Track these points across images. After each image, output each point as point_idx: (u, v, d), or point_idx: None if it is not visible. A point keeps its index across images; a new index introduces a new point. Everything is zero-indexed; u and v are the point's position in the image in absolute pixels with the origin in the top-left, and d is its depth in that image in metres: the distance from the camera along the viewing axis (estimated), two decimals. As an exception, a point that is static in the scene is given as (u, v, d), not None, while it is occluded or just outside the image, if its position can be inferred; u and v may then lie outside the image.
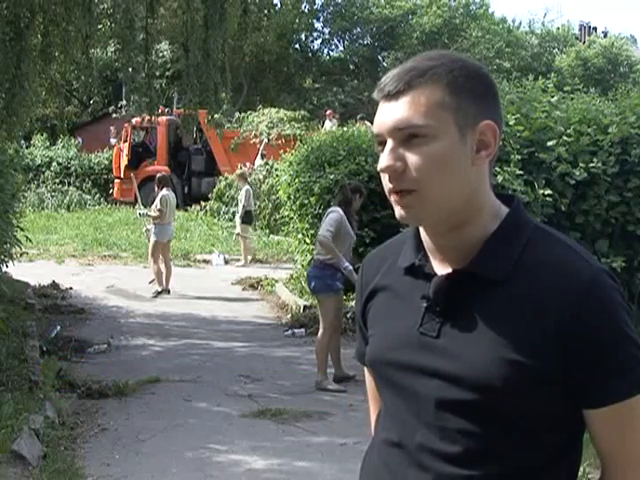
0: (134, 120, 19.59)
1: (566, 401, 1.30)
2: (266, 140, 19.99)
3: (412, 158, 1.31)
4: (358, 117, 20.57)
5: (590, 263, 1.33)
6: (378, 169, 1.36)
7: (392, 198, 1.35)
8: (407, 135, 1.31)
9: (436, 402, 1.34)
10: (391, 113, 1.33)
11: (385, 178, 1.35)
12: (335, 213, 6.77)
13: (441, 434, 1.34)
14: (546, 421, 1.31)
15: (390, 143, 1.33)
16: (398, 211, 1.36)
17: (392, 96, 1.33)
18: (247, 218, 14.12)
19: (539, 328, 1.28)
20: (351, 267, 6.61)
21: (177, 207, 17.38)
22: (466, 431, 1.32)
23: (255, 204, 18.49)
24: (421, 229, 1.43)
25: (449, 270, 1.37)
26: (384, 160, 1.33)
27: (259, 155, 19.56)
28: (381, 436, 1.48)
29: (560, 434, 1.33)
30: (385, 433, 1.46)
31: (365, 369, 1.62)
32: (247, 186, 14.30)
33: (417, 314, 1.38)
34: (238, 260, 14.15)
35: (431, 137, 1.31)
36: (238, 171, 15.27)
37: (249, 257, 14.03)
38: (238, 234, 14.19)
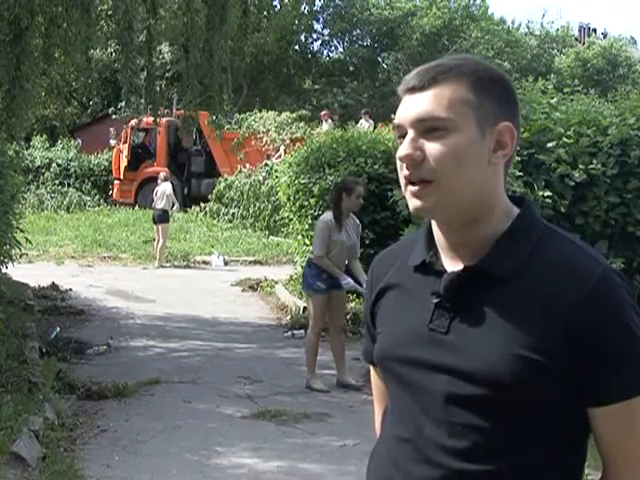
0: (133, 121, 19.58)
1: (573, 398, 1.31)
2: (283, 147, 19.86)
3: (431, 149, 1.34)
4: (362, 112, 20.65)
5: (599, 262, 1.35)
6: (397, 157, 1.38)
7: (408, 189, 1.37)
8: (428, 127, 1.35)
9: (445, 397, 1.35)
10: (414, 105, 1.36)
11: (402, 168, 1.37)
12: (322, 223, 6.53)
13: (449, 429, 1.35)
14: (554, 418, 1.33)
15: (411, 133, 1.36)
16: (413, 202, 1.37)
17: (417, 89, 1.37)
18: (166, 217, 14.19)
19: (548, 325, 1.30)
20: (351, 281, 6.41)
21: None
22: (474, 426, 1.33)
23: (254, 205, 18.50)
24: (434, 226, 1.44)
25: (460, 267, 1.39)
26: (404, 149, 1.36)
27: (272, 158, 19.47)
28: (389, 431, 1.49)
29: (567, 431, 1.35)
30: (393, 428, 1.47)
31: (371, 368, 1.63)
32: (169, 183, 14.39)
33: (427, 310, 1.40)
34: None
35: (451, 130, 1.33)
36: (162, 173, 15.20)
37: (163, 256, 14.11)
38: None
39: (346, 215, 6.57)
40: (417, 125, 1.35)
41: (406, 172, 1.36)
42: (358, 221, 6.83)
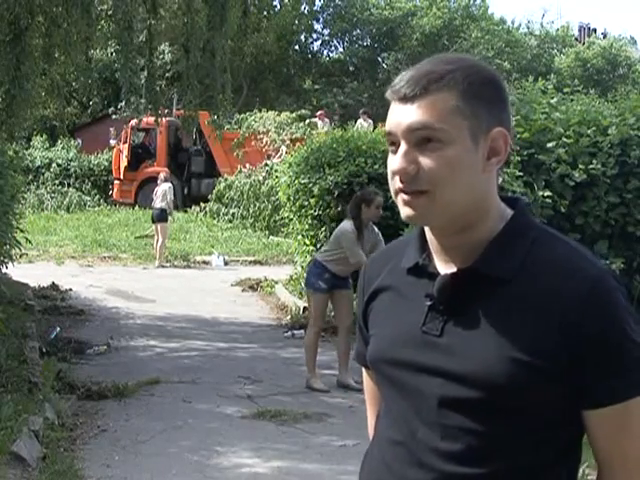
0: (133, 121, 19.57)
1: (568, 400, 1.31)
2: (284, 148, 19.85)
3: (426, 161, 1.32)
4: (361, 111, 20.68)
5: (594, 264, 1.34)
6: (389, 170, 1.36)
7: (400, 198, 1.35)
8: (421, 138, 1.32)
9: (439, 400, 1.34)
10: (406, 116, 1.33)
11: (395, 178, 1.35)
12: (347, 232, 6.53)
13: (443, 432, 1.34)
14: (548, 420, 1.32)
15: (404, 146, 1.34)
16: (406, 211, 1.35)
17: (408, 99, 1.34)
18: (165, 215, 14.20)
19: (543, 327, 1.29)
20: None
21: (176, 208, 17.47)
22: (468, 429, 1.32)
23: (254, 205, 18.47)
24: (427, 229, 1.43)
25: (453, 269, 1.38)
26: (397, 163, 1.34)
27: (272, 158, 19.46)
28: (382, 434, 1.48)
29: (562, 433, 1.34)
30: (386, 431, 1.46)
31: (364, 370, 1.62)
32: (169, 184, 14.39)
33: (420, 313, 1.39)
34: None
35: (445, 142, 1.31)
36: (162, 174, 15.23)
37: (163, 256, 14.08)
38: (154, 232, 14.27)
39: (365, 225, 6.60)
40: (410, 136, 1.33)
41: (399, 183, 1.35)
42: (377, 229, 6.80)
